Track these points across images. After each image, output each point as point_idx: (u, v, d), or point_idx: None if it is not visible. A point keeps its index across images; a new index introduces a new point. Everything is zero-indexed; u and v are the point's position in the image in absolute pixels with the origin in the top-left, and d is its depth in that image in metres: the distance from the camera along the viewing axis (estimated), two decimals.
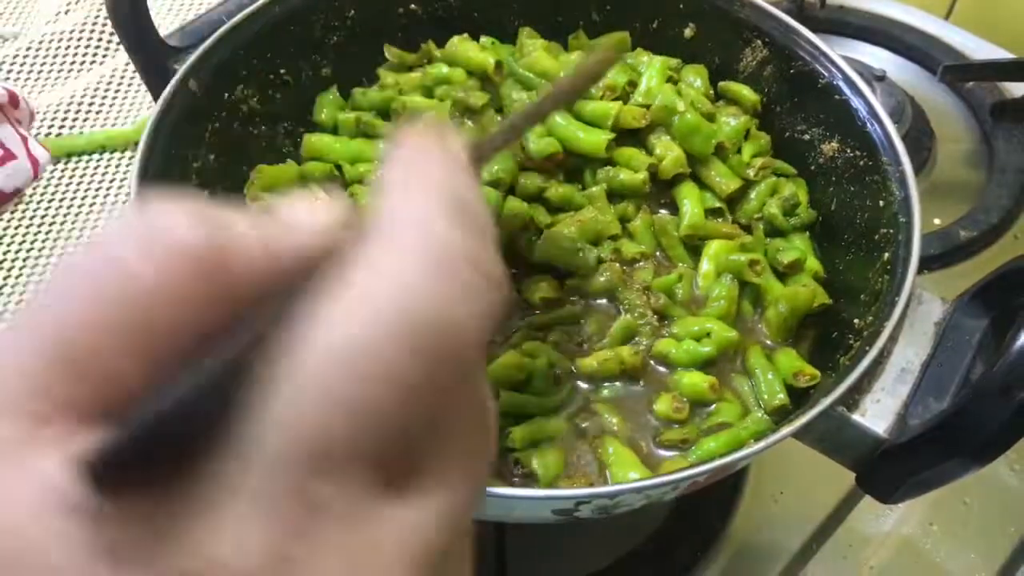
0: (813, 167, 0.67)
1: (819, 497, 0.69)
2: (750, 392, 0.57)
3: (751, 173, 0.65)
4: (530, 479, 0.53)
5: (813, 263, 0.63)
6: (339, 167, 0.66)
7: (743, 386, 0.58)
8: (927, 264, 0.81)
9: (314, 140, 0.67)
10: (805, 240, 0.65)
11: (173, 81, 0.60)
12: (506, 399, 0.54)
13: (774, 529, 0.68)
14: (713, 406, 0.57)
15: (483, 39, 0.73)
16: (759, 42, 0.68)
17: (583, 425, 0.56)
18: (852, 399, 0.52)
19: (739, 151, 0.67)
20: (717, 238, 0.63)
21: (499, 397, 0.54)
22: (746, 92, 0.69)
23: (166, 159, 0.58)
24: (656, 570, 0.66)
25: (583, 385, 0.58)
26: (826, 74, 0.65)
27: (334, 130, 0.69)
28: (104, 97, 1.02)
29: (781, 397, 0.56)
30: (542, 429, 0.54)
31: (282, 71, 0.68)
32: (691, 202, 0.64)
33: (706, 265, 0.62)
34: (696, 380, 0.56)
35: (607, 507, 0.48)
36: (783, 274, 0.62)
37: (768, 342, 0.60)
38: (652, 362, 0.59)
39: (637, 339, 0.59)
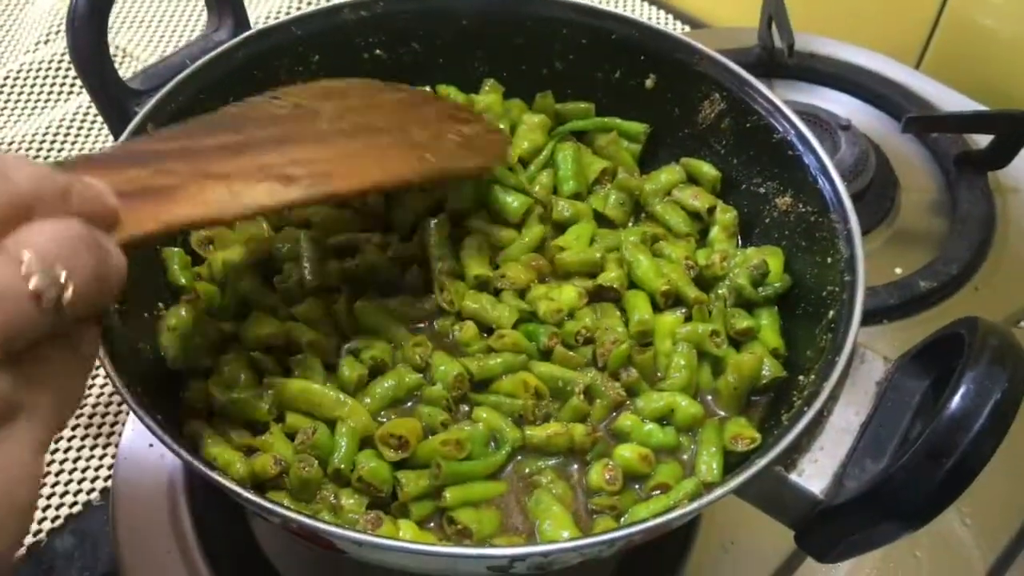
0: (768, 220, 0.68)
1: (770, 548, 0.70)
2: (690, 455, 0.58)
3: (716, 267, 0.65)
4: (465, 535, 0.53)
5: (773, 339, 0.62)
6: None
7: (686, 450, 0.58)
8: (886, 314, 0.82)
9: None
10: (772, 314, 0.64)
11: (131, 126, 0.61)
12: (448, 470, 0.54)
13: None
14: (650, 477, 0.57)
15: (441, 88, 0.74)
16: (717, 95, 0.69)
17: (520, 485, 0.57)
18: (790, 459, 0.52)
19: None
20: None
21: (440, 469, 0.54)
22: (706, 169, 0.70)
23: None
24: None
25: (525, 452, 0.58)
26: (780, 129, 0.66)
27: None
28: (80, 128, 1.03)
29: (715, 475, 0.56)
30: (478, 491, 0.55)
31: None
32: (639, 310, 0.63)
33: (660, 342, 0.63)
34: (629, 452, 0.57)
35: (542, 564, 0.48)
36: (738, 342, 0.63)
37: (722, 412, 0.60)
38: (605, 434, 0.59)
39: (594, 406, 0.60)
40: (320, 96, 0.62)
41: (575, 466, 0.58)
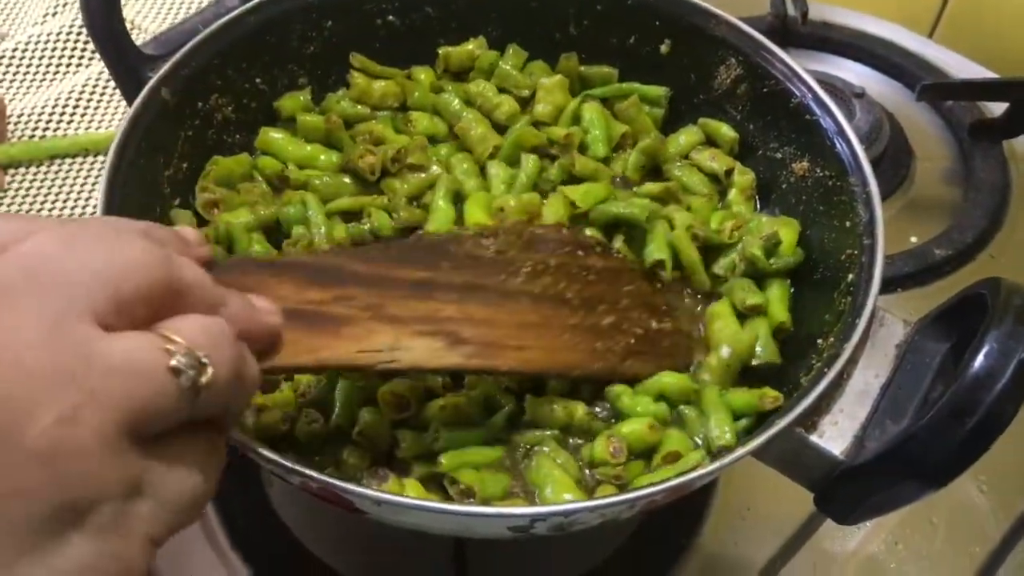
0: (785, 185, 0.67)
1: (786, 514, 0.70)
2: (699, 427, 0.57)
3: (725, 234, 0.64)
4: (468, 494, 0.53)
5: (780, 312, 0.61)
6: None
7: (691, 418, 0.57)
8: (901, 282, 0.82)
9: (270, 135, 0.68)
10: (783, 287, 0.63)
11: (145, 90, 0.60)
12: (446, 436, 0.54)
13: (740, 546, 0.68)
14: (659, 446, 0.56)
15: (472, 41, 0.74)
16: (733, 60, 0.69)
17: (517, 453, 0.56)
18: (811, 420, 0.52)
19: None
20: None
21: (440, 434, 0.54)
22: (724, 130, 0.70)
23: (137, 168, 0.58)
24: None
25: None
26: (798, 94, 0.65)
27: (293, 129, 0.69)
28: (89, 99, 1.02)
29: (728, 438, 0.55)
30: (474, 456, 0.54)
31: (257, 80, 0.68)
32: None
33: None
34: (636, 425, 0.55)
35: (562, 524, 0.48)
36: (744, 316, 0.62)
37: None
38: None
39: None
40: (528, 246, 0.59)
41: (574, 440, 0.58)
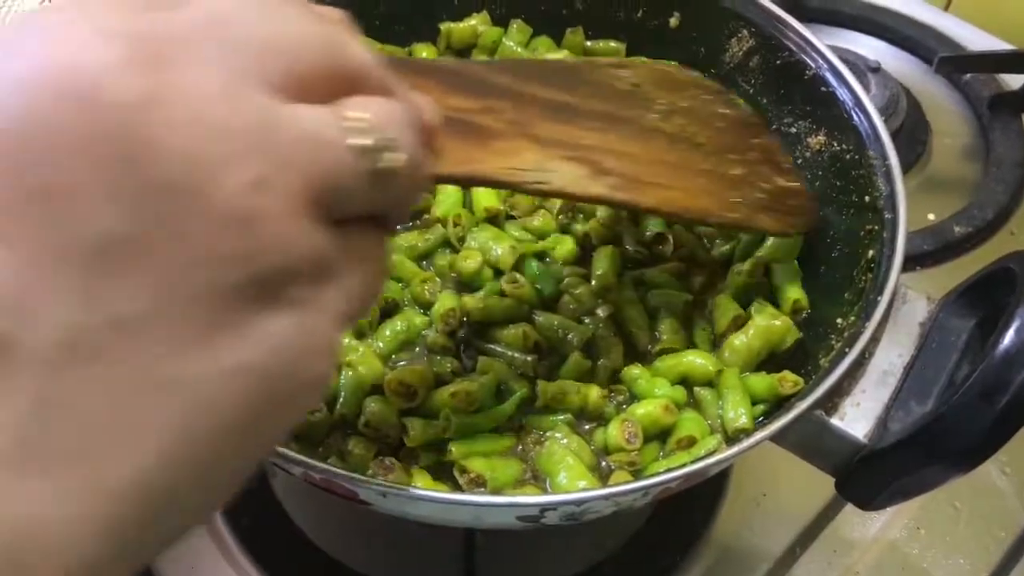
0: (800, 161, 0.65)
1: (803, 499, 0.68)
2: (715, 409, 0.55)
3: None
4: (478, 483, 0.51)
5: (795, 291, 0.59)
6: None
7: (707, 400, 0.56)
8: (919, 261, 0.79)
9: None
10: (792, 267, 0.61)
11: None
12: (457, 422, 0.52)
13: (757, 533, 0.66)
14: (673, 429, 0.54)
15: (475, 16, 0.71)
16: (745, 32, 0.66)
17: (528, 439, 0.54)
18: (831, 402, 0.50)
19: None
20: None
21: (451, 422, 0.52)
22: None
23: None
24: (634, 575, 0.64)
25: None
26: (813, 65, 0.63)
27: None
28: None
29: (744, 421, 0.53)
30: (484, 445, 0.53)
31: None
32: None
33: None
34: (651, 407, 0.53)
35: (574, 513, 0.46)
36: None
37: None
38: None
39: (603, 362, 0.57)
40: (661, 83, 0.57)
41: (587, 425, 0.56)
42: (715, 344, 0.59)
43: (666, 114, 0.55)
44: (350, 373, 0.54)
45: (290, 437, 0.53)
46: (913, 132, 0.88)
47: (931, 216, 0.83)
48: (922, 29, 0.97)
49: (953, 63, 0.87)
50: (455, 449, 0.52)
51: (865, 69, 0.87)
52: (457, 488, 0.51)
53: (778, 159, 0.60)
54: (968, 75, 0.92)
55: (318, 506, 0.66)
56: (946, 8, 1.05)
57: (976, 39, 0.96)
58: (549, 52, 0.70)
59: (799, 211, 0.59)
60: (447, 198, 0.63)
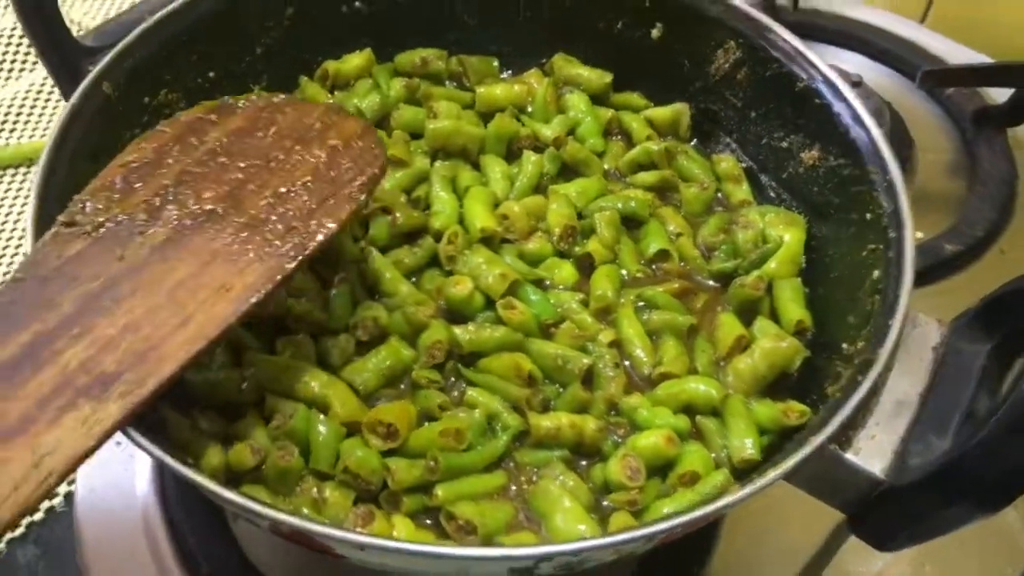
0: (791, 177, 0.62)
1: (804, 536, 0.64)
2: (719, 439, 0.51)
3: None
4: (467, 530, 0.47)
5: (797, 311, 0.56)
6: None
7: (710, 429, 0.52)
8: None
9: None
10: (794, 285, 0.58)
11: (83, 84, 0.54)
12: (445, 463, 0.49)
13: (755, 572, 0.62)
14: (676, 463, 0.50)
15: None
16: (732, 43, 0.63)
17: (521, 477, 0.51)
18: (844, 436, 0.46)
19: None
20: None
21: (438, 463, 0.48)
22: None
23: (74, 173, 0.52)
24: None
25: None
26: (804, 76, 0.60)
27: None
28: (33, 106, 0.96)
29: (751, 451, 0.49)
30: (473, 485, 0.49)
31: (211, 73, 0.62)
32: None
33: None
34: (653, 438, 0.50)
35: (571, 564, 0.42)
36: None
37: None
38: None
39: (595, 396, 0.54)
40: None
41: (584, 461, 0.52)
42: (718, 366, 0.55)
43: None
44: (323, 417, 0.49)
45: (258, 482, 0.48)
46: (897, 148, 0.84)
47: (919, 234, 0.80)
48: (901, 44, 0.95)
49: (936, 77, 0.85)
50: (441, 492, 0.48)
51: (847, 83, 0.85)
52: (443, 535, 0.47)
53: (301, 127, 0.53)
54: (950, 89, 0.90)
55: (284, 553, 0.61)
56: (922, 21, 1.04)
57: (954, 52, 0.94)
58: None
59: (359, 169, 0.52)
60: (444, 208, 0.59)
